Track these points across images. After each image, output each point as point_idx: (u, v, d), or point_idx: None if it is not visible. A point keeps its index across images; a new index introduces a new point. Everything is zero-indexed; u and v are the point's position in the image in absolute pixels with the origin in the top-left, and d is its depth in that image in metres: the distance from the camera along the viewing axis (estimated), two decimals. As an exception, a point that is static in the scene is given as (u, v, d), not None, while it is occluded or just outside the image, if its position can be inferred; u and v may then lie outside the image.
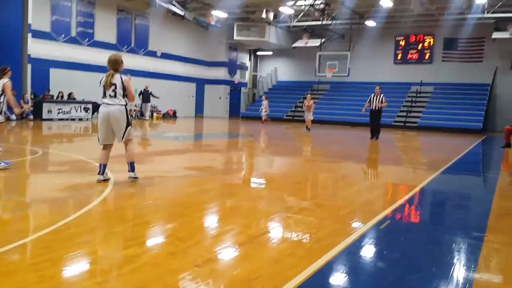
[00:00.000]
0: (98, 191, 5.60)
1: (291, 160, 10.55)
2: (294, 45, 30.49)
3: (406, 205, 5.83)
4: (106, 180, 6.10)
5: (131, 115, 6.66)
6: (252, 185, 7.14)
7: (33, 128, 15.78)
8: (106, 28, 23.31)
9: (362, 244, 3.99)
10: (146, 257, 3.46)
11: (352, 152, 12.49)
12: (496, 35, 25.16)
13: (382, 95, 15.05)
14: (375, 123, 15.38)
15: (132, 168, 6.17)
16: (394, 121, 25.60)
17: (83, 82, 21.67)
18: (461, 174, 9.31)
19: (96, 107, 21.80)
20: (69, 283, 2.98)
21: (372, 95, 15.20)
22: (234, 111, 32.25)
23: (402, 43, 29.64)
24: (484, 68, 26.97)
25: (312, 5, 23.71)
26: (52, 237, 3.81)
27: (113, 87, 5.92)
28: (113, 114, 5.94)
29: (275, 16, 27.24)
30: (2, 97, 7.13)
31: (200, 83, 30.87)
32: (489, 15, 23.87)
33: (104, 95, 5.98)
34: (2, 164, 6.79)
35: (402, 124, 25.49)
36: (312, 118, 19.24)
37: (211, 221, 4.77)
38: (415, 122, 25.35)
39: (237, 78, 32.78)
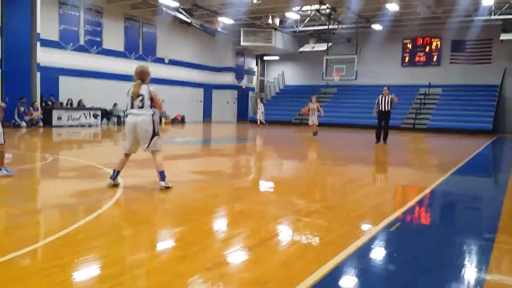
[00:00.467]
0: (107, 196, 5.63)
1: (299, 164, 10.53)
2: (300, 49, 30.54)
3: (417, 207, 5.79)
4: (115, 186, 6.14)
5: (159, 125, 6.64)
6: (261, 188, 7.13)
7: (43, 135, 15.92)
8: (113, 36, 23.53)
9: (372, 246, 3.96)
10: (156, 261, 3.46)
11: (361, 154, 12.43)
12: (504, 36, 25.03)
13: (390, 95, 14.65)
14: (383, 125, 14.85)
15: (162, 177, 6.10)
16: (403, 123, 25.50)
17: (92, 89, 21.90)
18: (471, 175, 9.23)
19: (105, 113, 21.99)
20: None
21: (380, 96, 14.75)
22: (242, 116, 32.35)
23: (409, 46, 29.59)
24: (492, 70, 26.81)
25: (318, 10, 23.74)
26: (62, 242, 3.83)
27: (140, 98, 5.97)
28: (140, 124, 5.98)
29: (281, 22, 27.32)
30: None
31: (208, 88, 30.99)
32: (496, 16, 23.75)
33: (132, 106, 6.04)
34: (4, 172, 6.77)
35: (411, 126, 25.38)
36: (316, 123, 17.90)
37: (220, 224, 4.77)
38: (425, 124, 25.22)
39: (244, 83, 32.88)
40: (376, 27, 26.94)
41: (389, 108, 14.69)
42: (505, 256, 3.87)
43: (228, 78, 31.48)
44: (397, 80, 28.88)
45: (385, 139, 14.91)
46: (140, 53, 25.24)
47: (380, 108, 14.76)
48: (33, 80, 19.06)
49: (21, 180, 6.81)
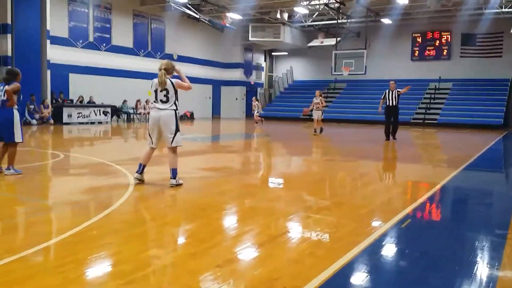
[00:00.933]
0: (119, 193, 5.67)
1: (308, 160, 10.52)
2: (309, 44, 30.40)
3: (427, 203, 5.76)
4: (141, 181, 6.18)
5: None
6: (270, 185, 7.14)
7: (53, 132, 16.05)
8: (123, 32, 23.62)
9: (383, 243, 3.96)
10: (167, 258, 3.49)
11: (370, 150, 12.38)
12: (515, 29, 24.71)
13: (397, 90, 14.27)
14: (392, 121, 14.45)
15: (174, 175, 6.09)
16: (413, 118, 25.33)
17: (101, 86, 22.01)
18: (482, 171, 9.16)
19: (114, 110, 22.10)
20: (92, 284, 3.03)
21: (387, 91, 14.37)
22: (251, 112, 32.27)
23: (419, 39, 29.33)
24: (503, 63, 26.50)
25: (326, 4, 23.61)
26: (75, 239, 3.87)
27: (164, 92, 6.00)
28: (163, 118, 6.03)
29: (289, 16, 27.21)
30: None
31: (217, 85, 31.00)
32: (507, 9, 23.45)
33: (156, 100, 6.05)
34: (12, 171, 6.79)
35: (421, 121, 25.19)
36: (321, 118, 17.21)
37: (230, 221, 4.79)
38: (435, 119, 25.03)
39: (253, 78, 32.83)
40: (386, 21, 26.73)
41: (396, 103, 14.29)
42: (518, 253, 3.84)
43: (237, 74, 31.46)
44: (406, 74, 28.66)
45: (393, 134, 14.58)
46: (149, 49, 25.31)
47: (387, 103, 14.39)
48: (44, 78, 19.21)
49: (34, 178, 6.88)
